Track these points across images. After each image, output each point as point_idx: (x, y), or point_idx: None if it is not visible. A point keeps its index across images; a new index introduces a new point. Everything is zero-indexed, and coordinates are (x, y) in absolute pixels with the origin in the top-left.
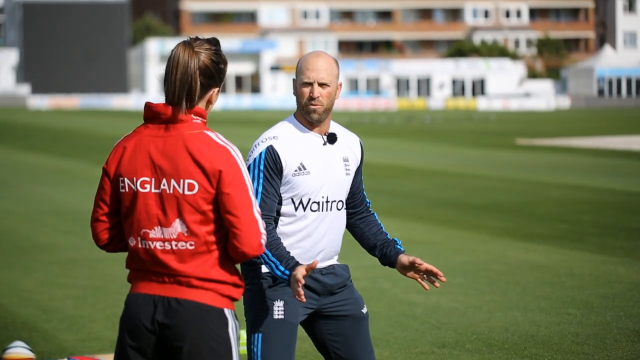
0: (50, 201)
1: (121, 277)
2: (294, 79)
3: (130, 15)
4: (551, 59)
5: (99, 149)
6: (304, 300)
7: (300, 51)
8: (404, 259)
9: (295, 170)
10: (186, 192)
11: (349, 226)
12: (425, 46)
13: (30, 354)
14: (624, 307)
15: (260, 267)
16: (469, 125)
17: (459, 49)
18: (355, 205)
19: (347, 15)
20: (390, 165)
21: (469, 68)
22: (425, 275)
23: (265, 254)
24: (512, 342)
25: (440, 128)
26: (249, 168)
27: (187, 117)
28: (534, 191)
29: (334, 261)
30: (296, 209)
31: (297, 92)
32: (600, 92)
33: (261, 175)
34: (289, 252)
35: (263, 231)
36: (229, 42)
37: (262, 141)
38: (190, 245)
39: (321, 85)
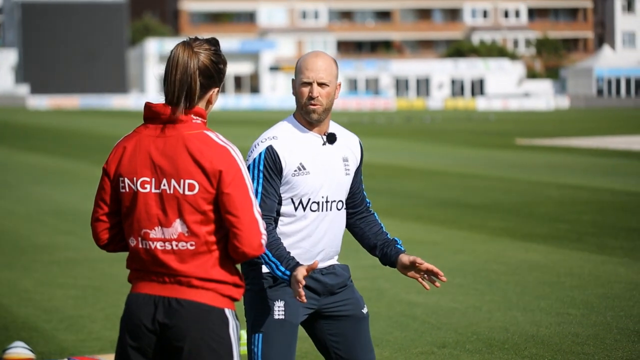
0: (50, 201)
1: (121, 277)
2: (293, 79)
3: (129, 16)
4: (550, 59)
5: (98, 149)
6: (305, 300)
7: (299, 51)
8: (405, 258)
9: (295, 170)
10: (186, 192)
11: (349, 226)
12: (424, 46)
13: (31, 354)
14: (624, 307)
15: (261, 267)
16: (468, 125)
17: (458, 49)
18: (355, 205)
19: (346, 15)
20: (389, 166)
21: (468, 68)
22: (425, 275)
23: (265, 254)
24: (512, 342)
25: (439, 128)
26: (248, 168)
27: (187, 117)
28: (534, 191)
29: (334, 261)
30: (296, 209)
31: (296, 92)
32: (600, 92)
33: (261, 175)
34: (289, 253)
35: (263, 231)
36: (228, 42)
37: (261, 141)
38: (191, 245)
39: (320, 85)
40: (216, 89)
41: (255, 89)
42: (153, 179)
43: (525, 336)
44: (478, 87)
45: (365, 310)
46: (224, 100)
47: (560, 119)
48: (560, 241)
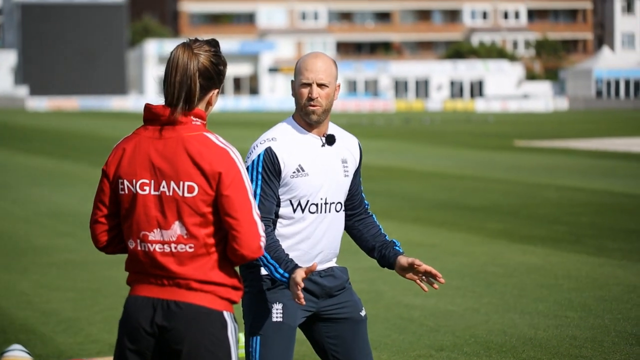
0: (48, 203)
1: (119, 280)
2: (292, 80)
3: (128, 17)
4: (549, 60)
5: (97, 151)
6: (304, 303)
7: (299, 52)
8: (403, 260)
9: (294, 172)
10: (186, 195)
11: (348, 228)
12: (423, 47)
13: (28, 357)
14: (622, 309)
15: (259, 270)
16: (467, 126)
17: (457, 51)
18: (354, 207)
19: (346, 16)
20: (388, 167)
21: (467, 69)
22: (424, 277)
23: (264, 256)
24: (510, 345)
25: (438, 130)
26: (247, 170)
27: (187, 118)
28: (532, 193)
29: (332, 263)
30: (294, 210)
31: (295, 93)
32: (599, 93)
33: (259, 177)
34: (287, 255)
35: (262, 234)
36: (227, 44)
37: (260, 143)
38: (190, 247)
39: (320, 86)
40: (216, 91)
41: (254, 90)
42: (152, 181)
43: (523, 339)
44: (477, 89)
45: (363, 313)
46: (223, 102)
47: (559, 120)
48: (558, 243)
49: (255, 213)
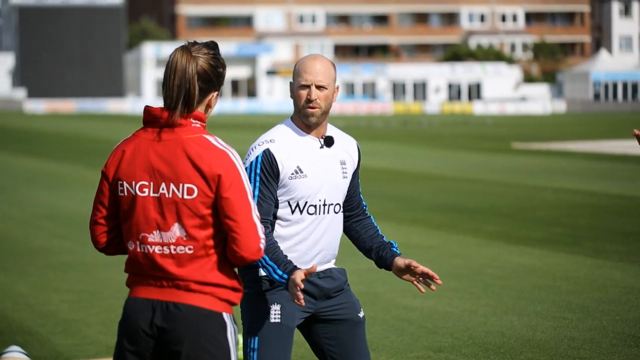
0: (45, 205)
1: (116, 282)
2: (291, 82)
3: (126, 19)
4: (547, 63)
5: (95, 153)
6: (303, 304)
7: (297, 55)
8: (400, 261)
9: (292, 174)
10: (185, 197)
11: (346, 229)
12: (421, 50)
13: (26, 358)
14: (619, 311)
15: (257, 271)
16: (465, 129)
17: (455, 53)
18: (352, 208)
19: (343, 19)
20: (386, 169)
21: (465, 72)
22: (421, 278)
23: (262, 257)
24: (508, 346)
25: (436, 132)
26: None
27: (187, 121)
28: (530, 195)
29: (331, 265)
30: (293, 212)
31: (294, 95)
32: (596, 96)
33: (257, 178)
34: (286, 256)
35: (262, 235)
36: (225, 46)
37: (258, 144)
38: (189, 249)
39: (319, 87)
40: (215, 93)
41: (252, 93)
42: (151, 183)
43: (521, 340)
44: (475, 91)
45: (361, 315)
46: (221, 104)
47: (556, 123)
48: (556, 245)
49: (255, 215)
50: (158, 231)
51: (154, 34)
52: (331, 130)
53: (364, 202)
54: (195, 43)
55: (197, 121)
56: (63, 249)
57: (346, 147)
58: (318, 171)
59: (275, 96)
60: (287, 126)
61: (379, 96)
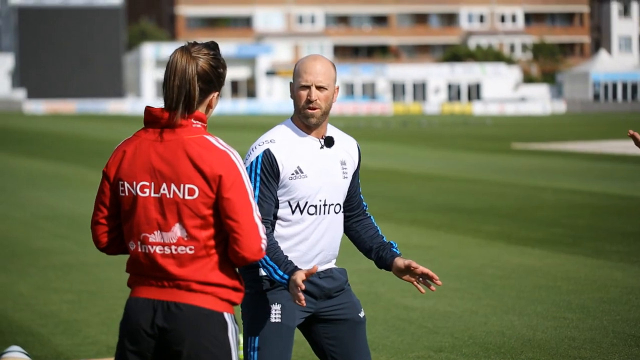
0: (45, 206)
1: (116, 282)
2: (291, 83)
3: (125, 20)
4: (547, 63)
5: (94, 154)
6: (305, 304)
7: (296, 56)
8: (400, 262)
9: (292, 174)
10: (186, 197)
11: (346, 229)
12: (420, 51)
13: (27, 358)
14: (620, 311)
15: (258, 271)
16: (465, 129)
17: (455, 54)
18: (352, 209)
19: (343, 20)
20: (385, 170)
21: (464, 73)
22: (421, 279)
23: (263, 258)
24: (508, 346)
25: (435, 133)
26: None
27: (187, 121)
28: (530, 195)
29: (331, 265)
30: (293, 212)
31: (294, 96)
32: (596, 96)
33: (258, 179)
34: (286, 257)
35: (263, 236)
36: (224, 47)
37: (259, 145)
38: (190, 249)
39: (319, 88)
40: (216, 93)
41: (251, 93)
42: (152, 183)
43: (521, 340)
44: (475, 92)
45: (362, 314)
46: (221, 105)
47: (556, 123)
48: (556, 245)
49: (256, 215)
50: (159, 231)
51: (154, 35)
52: (331, 130)
53: (364, 203)
54: (195, 44)
55: (197, 122)
56: (63, 249)
57: (346, 148)
58: (318, 171)
59: (274, 97)
60: (287, 126)
61: (379, 97)
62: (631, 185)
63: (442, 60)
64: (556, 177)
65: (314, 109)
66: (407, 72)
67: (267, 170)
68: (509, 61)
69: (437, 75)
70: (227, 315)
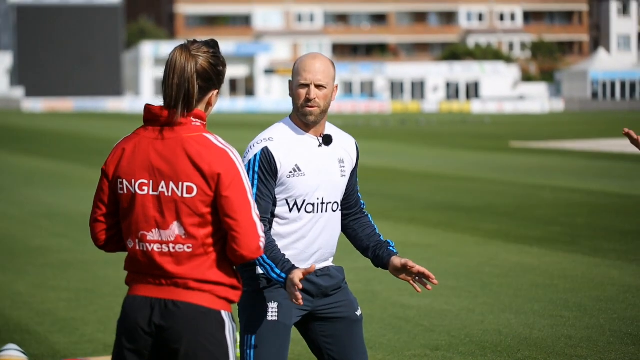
0: (43, 204)
1: (114, 280)
2: (290, 81)
3: (124, 18)
4: (545, 62)
5: (93, 152)
6: (302, 303)
7: (295, 54)
8: (397, 261)
9: (290, 172)
10: (185, 195)
11: (343, 227)
12: (419, 49)
13: (23, 357)
14: (617, 309)
15: (255, 269)
16: (463, 128)
17: (453, 52)
18: (350, 207)
19: (342, 18)
20: (384, 168)
21: (463, 71)
22: (417, 278)
23: (260, 256)
24: (505, 344)
25: (434, 131)
26: None
27: (187, 119)
28: (528, 194)
29: (329, 263)
30: (290, 210)
31: (293, 94)
32: (594, 95)
33: (256, 177)
34: (284, 255)
35: (262, 234)
36: (223, 45)
37: (257, 143)
38: (188, 247)
39: (318, 87)
40: (215, 91)
41: (250, 92)
42: (151, 181)
43: (518, 339)
44: (473, 90)
45: (359, 313)
46: (219, 103)
47: (555, 121)
48: (553, 244)
49: (255, 214)
50: (157, 229)
51: (152, 33)
52: (330, 128)
53: (361, 201)
54: (194, 42)
55: (197, 120)
56: (61, 248)
57: (344, 146)
58: (316, 170)
59: (273, 95)
60: (285, 124)
61: (377, 95)
62: (629, 183)
63: (440, 58)
64: (554, 176)
65: (312, 107)
66: (406, 70)
67: (265, 168)
68: (508, 60)
69: (436, 74)
70: (224, 314)
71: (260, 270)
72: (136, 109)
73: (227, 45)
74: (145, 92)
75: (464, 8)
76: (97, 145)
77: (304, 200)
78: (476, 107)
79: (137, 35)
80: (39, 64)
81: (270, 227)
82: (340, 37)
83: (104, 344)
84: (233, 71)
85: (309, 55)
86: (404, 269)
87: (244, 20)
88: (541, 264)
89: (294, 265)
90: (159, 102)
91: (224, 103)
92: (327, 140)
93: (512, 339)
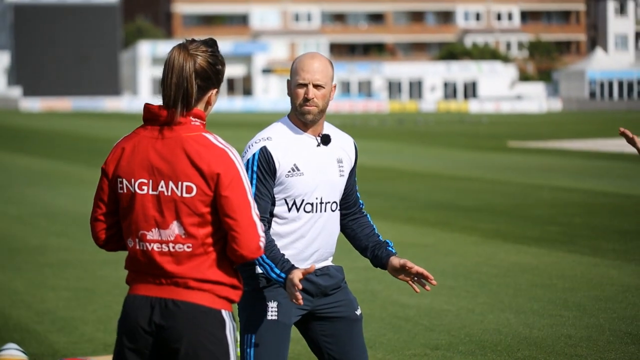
0: (42, 203)
1: (113, 279)
2: (288, 80)
3: (122, 18)
4: (543, 61)
5: (91, 151)
6: (302, 303)
7: (292, 54)
8: (395, 261)
9: (289, 171)
10: (184, 195)
11: (342, 227)
12: (417, 49)
13: (23, 356)
14: (616, 309)
15: (254, 268)
16: (461, 127)
17: (451, 52)
18: (349, 207)
19: (339, 17)
20: (381, 168)
21: (460, 71)
22: (416, 278)
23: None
24: (505, 344)
25: (431, 130)
26: None
27: (186, 119)
28: (526, 193)
29: (328, 262)
30: (289, 209)
31: (291, 93)
32: (592, 94)
33: (254, 176)
34: (283, 255)
35: (262, 234)
36: (220, 45)
37: (255, 142)
38: (188, 247)
39: (316, 86)
40: (215, 90)
41: (248, 91)
42: (150, 181)
43: (518, 338)
44: (471, 90)
45: (358, 312)
46: (217, 103)
47: (552, 121)
48: (552, 243)
49: (255, 213)
50: (157, 229)
51: (150, 33)
52: (328, 128)
53: (360, 201)
54: (193, 41)
55: (196, 119)
56: (60, 247)
57: (343, 145)
58: (315, 169)
59: (271, 94)
60: (284, 124)
61: (375, 94)
62: (627, 183)
63: (438, 58)
64: (552, 175)
65: (311, 106)
66: (403, 70)
67: (264, 168)
68: (505, 59)
69: (433, 73)
70: (225, 313)
71: (259, 270)
72: (134, 109)
73: (224, 45)
74: (142, 91)
75: (461, 7)
76: (95, 145)
77: (303, 200)
78: (474, 106)
79: (135, 35)
80: (37, 64)
81: (269, 227)
82: (338, 37)
83: (104, 343)
84: (230, 71)
85: (307, 54)
86: (403, 270)
87: (241, 20)
88: (540, 263)
89: (293, 265)
90: (158, 101)
91: (221, 103)
92: (325, 139)
93: (512, 339)
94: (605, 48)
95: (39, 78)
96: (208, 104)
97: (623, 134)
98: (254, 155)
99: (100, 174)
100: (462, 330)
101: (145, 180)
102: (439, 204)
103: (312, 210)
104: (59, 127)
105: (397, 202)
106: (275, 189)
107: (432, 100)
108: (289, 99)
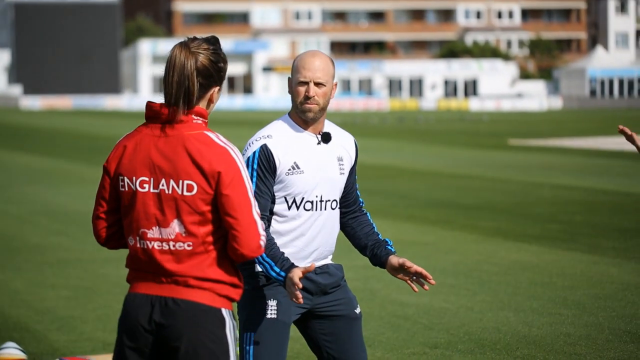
0: (42, 202)
1: (113, 278)
2: (289, 78)
3: (122, 16)
4: (543, 59)
5: (91, 150)
6: (302, 302)
7: (293, 52)
8: (394, 260)
9: (289, 169)
10: (185, 193)
11: (341, 225)
12: (417, 47)
13: (22, 355)
14: (615, 307)
15: (254, 267)
16: (461, 125)
17: (451, 50)
18: (348, 205)
19: (340, 16)
20: (382, 166)
21: (461, 69)
22: (414, 277)
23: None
24: (504, 342)
25: (432, 129)
26: None
27: (188, 117)
28: (526, 191)
29: (328, 261)
30: (289, 207)
31: (292, 91)
32: (592, 92)
33: (254, 174)
34: (283, 253)
35: (262, 232)
36: (221, 43)
37: (255, 140)
38: (188, 245)
39: (317, 84)
40: (217, 88)
41: (248, 89)
42: (152, 179)
43: (517, 336)
44: (471, 88)
45: (358, 310)
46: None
47: (553, 119)
48: (552, 241)
49: (255, 212)
50: (157, 227)
51: (150, 31)
52: (329, 126)
53: (360, 199)
54: (195, 39)
55: (198, 117)
56: (60, 246)
57: (343, 144)
58: (315, 167)
59: (271, 92)
60: (284, 122)
61: (375, 93)
62: (627, 181)
63: (438, 56)
64: (553, 173)
65: (311, 104)
66: (404, 68)
67: (264, 166)
68: (506, 57)
69: (434, 71)
70: (225, 311)
71: (259, 268)
72: (134, 107)
73: (225, 43)
74: (143, 89)
75: (461, 5)
76: (96, 143)
77: (303, 198)
78: (474, 104)
79: (135, 33)
80: (37, 62)
81: (269, 225)
82: (338, 35)
83: (103, 342)
84: (231, 69)
85: (308, 52)
86: (402, 269)
87: (242, 18)
88: (540, 261)
89: (293, 264)
90: (159, 99)
91: (222, 101)
92: (326, 137)
93: (511, 337)
94: (605, 46)
95: (39, 76)
96: (210, 101)
97: (622, 132)
98: (254, 153)
99: (102, 172)
100: (461, 328)
101: (147, 178)
102: (440, 202)
103: (312, 209)
104: (60, 125)
105: (397, 200)
106: (276, 187)
107: (432, 99)
108: (289, 97)
